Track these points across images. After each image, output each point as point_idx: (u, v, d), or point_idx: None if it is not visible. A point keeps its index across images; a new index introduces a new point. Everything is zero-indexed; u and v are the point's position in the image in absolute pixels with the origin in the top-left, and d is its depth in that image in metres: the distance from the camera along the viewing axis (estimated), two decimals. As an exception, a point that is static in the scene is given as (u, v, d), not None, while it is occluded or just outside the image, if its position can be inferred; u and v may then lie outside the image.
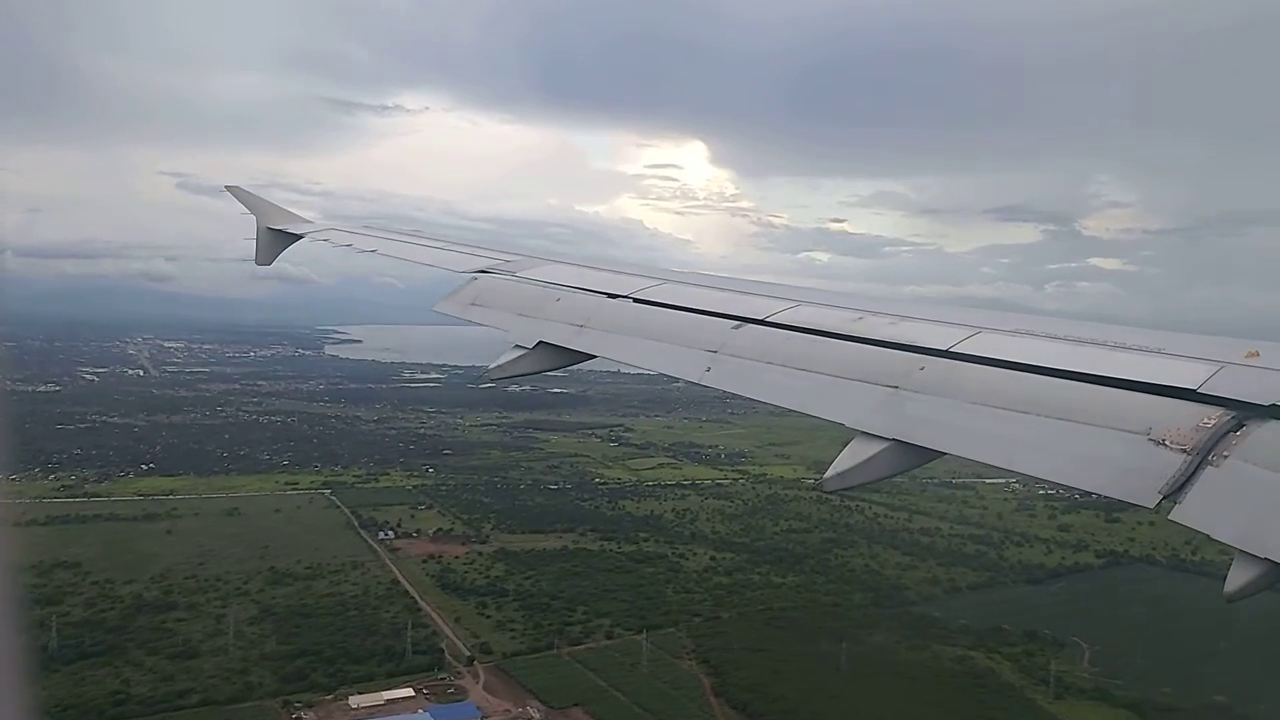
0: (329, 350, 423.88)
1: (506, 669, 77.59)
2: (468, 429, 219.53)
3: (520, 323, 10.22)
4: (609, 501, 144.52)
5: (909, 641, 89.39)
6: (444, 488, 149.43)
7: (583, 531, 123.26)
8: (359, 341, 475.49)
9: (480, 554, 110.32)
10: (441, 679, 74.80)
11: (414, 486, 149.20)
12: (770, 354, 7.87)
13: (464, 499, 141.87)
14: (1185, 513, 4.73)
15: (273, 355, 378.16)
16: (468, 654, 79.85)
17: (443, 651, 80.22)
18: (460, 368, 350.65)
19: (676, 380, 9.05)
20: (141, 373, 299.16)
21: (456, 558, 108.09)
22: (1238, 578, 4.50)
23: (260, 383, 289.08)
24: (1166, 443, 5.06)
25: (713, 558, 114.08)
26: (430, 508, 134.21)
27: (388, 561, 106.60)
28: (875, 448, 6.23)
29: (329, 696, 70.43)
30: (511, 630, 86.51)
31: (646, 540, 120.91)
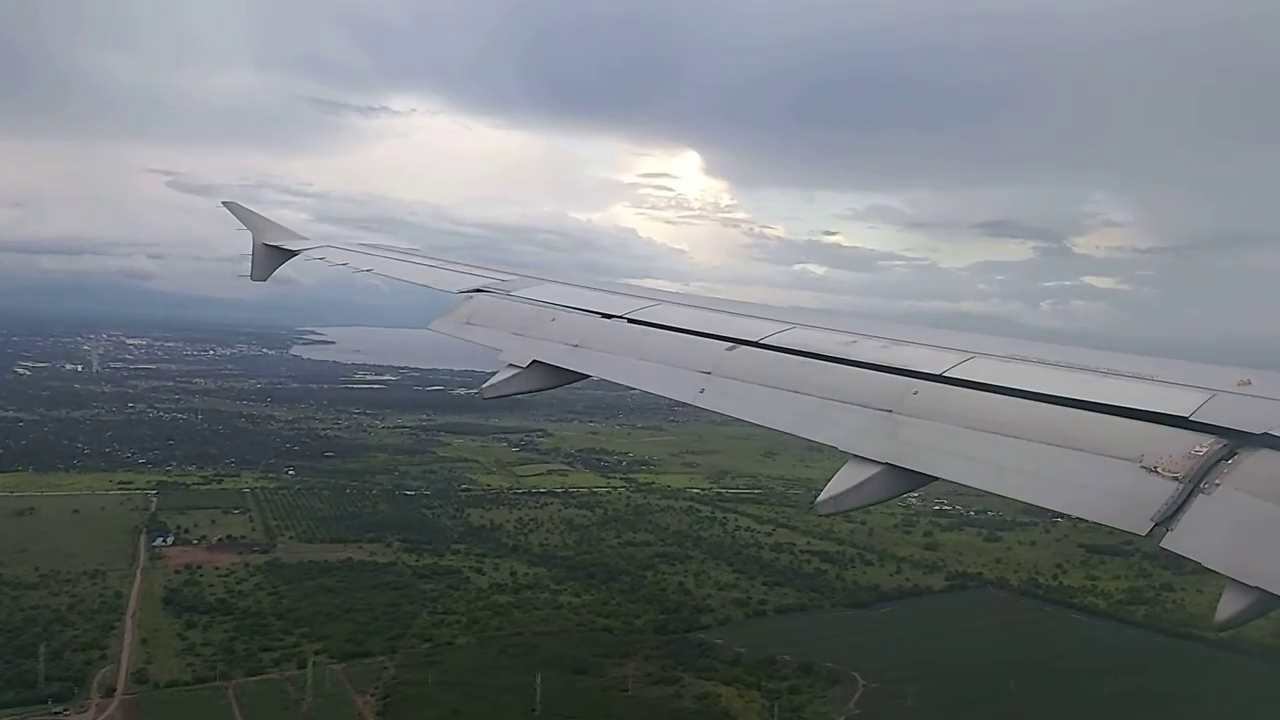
0: (295, 351, 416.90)
1: (146, 703, 67.46)
2: (378, 430, 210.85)
3: (515, 342, 10.29)
4: (456, 509, 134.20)
5: (663, 673, 78.49)
6: (285, 491, 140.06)
7: (391, 541, 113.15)
8: (331, 343, 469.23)
9: (247, 565, 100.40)
10: (58, 712, 64.83)
11: (255, 489, 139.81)
12: (764, 376, 7.96)
13: (296, 504, 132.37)
14: (1177, 540, 4.76)
15: (231, 354, 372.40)
16: (114, 684, 69.81)
17: (88, 679, 70.25)
18: (417, 370, 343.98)
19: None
20: (80, 368, 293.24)
21: (217, 569, 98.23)
22: (1229, 606, 4.49)
23: (196, 380, 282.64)
24: (1159, 470, 5.12)
25: (513, 572, 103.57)
26: (245, 513, 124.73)
27: (137, 571, 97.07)
28: (868, 471, 6.31)
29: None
30: (196, 655, 76.23)
31: (457, 553, 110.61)
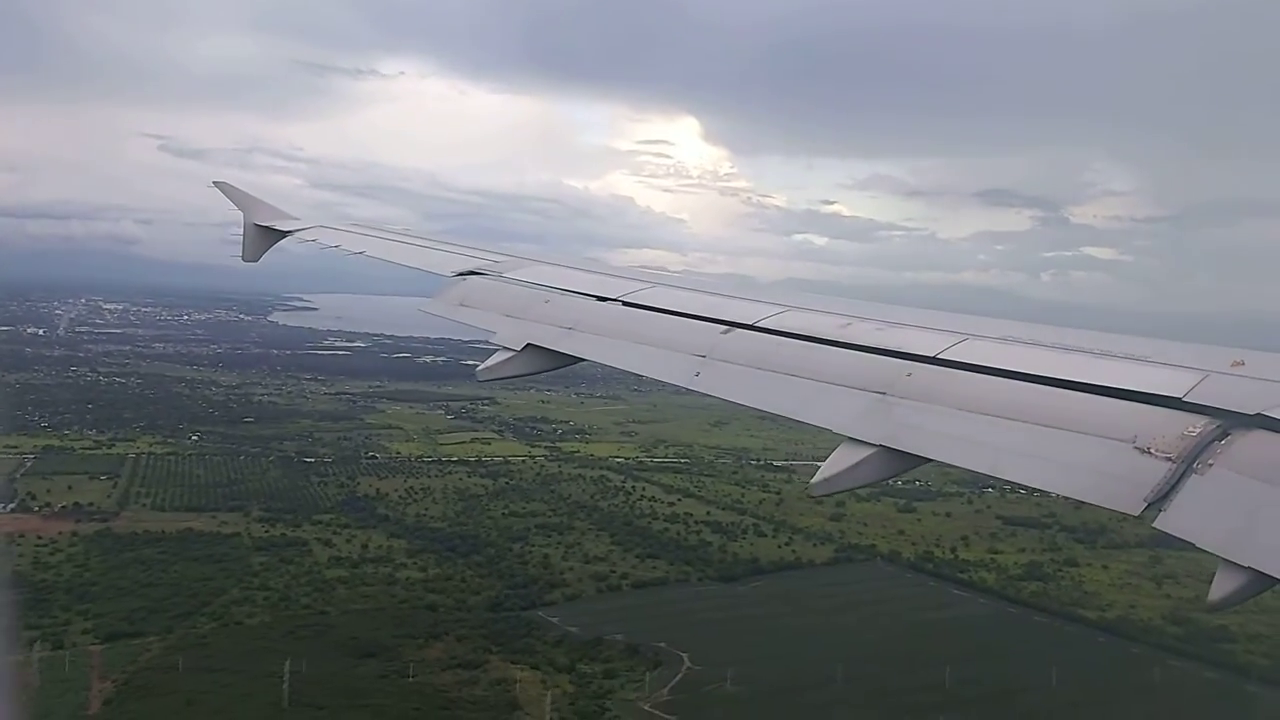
0: (274, 317, 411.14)
1: None
2: (319, 397, 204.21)
3: (508, 324, 10.17)
4: (348, 477, 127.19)
5: (469, 656, 70.99)
6: (174, 457, 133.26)
7: (251, 510, 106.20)
8: (315, 309, 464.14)
9: (75, 534, 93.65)
10: None
11: (144, 454, 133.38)
12: (759, 359, 7.88)
13: (177, 471, 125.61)
14: (1170, 521, 4.71)
15: (207, 319, 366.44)
16: None
17: None
18: (391, 337, 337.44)
19: None
20: (41, 332, 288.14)
21: (40, 538, 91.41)
22: (1222, 586, 4.43)
23: (157, 345, 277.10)
24: (1152, 451, 5.07)
25: (365, 545, 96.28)
26: (114, 479, 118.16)
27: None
28: (862, 453, 6.19)
29: None
30: (-52, 633, 69.82)
31: (318, 524, 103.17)
